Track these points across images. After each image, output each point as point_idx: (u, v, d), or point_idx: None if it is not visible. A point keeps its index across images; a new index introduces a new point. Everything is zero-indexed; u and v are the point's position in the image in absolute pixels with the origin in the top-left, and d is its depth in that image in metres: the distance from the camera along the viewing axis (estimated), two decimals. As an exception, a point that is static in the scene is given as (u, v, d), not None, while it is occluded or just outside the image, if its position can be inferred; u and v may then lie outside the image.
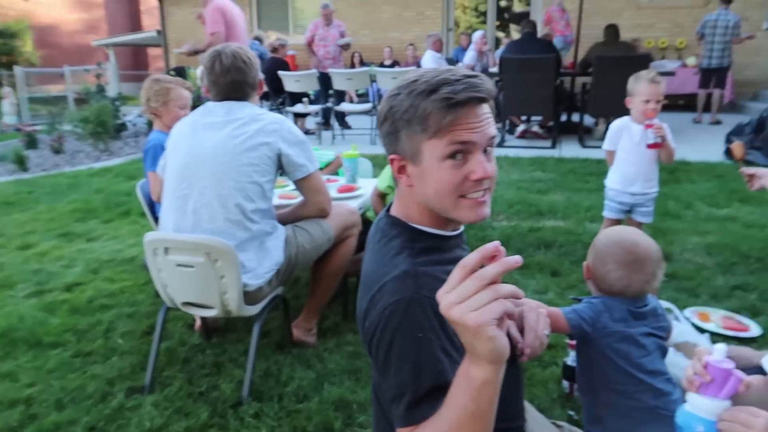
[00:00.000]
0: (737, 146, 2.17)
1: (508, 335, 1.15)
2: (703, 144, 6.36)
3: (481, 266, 0.73)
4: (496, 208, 4.18)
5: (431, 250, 1.02)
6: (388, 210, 1.12)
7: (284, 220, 2.24)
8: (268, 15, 12.29)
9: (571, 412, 1.92)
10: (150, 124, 3.06)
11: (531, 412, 1.28)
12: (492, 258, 0.74)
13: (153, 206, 2.87)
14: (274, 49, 7.96)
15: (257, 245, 2.06)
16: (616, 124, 2.85)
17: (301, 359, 2.30)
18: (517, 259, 0.72)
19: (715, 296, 2.72)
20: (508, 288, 0.73)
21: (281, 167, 2.12)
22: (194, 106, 2.45)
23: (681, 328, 2.10)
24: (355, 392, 2.06)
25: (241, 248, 2.00)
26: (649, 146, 2.64)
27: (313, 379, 2.16)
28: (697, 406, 0.91)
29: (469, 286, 0.72)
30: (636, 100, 2.67)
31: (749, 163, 2.28)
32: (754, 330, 2.37)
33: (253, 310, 2.10)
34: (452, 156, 0.96)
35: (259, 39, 8.65)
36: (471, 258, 0.73)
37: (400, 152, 1.02)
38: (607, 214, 2.96)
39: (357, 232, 2.43)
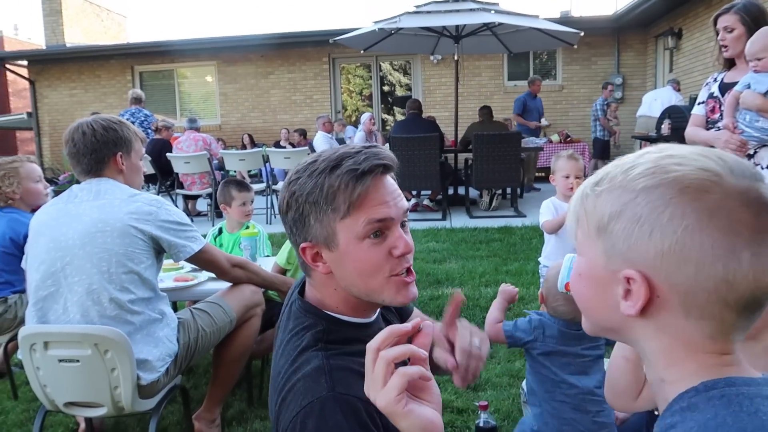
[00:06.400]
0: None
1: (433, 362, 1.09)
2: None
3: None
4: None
5: (348, 341, 0.96)
6: (301, 292, 1.04)
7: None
8: (153, 98, 12.11)
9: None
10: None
11: None
12: (418, 333, 0.75)
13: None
14: (157, 130, 7.72)
15: (144, 336, 1.89)
16: (547, 204, 2.91)
17: (204, 454, 2.12)
18: (418, 350, 0.72)
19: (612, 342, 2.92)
20: (402, 351, 0.71)
21: (163, 250, 1.98)
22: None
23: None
24: (267, 483, 1.93)
25: (128, 342, 1.84)
26: None
27: (219, 475, 1.99)
28: None
29: (374, 369, 0.71)
30: (557, 176, 2.85)
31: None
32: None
33: (149, 404, 1.92)
34: (371, 235, 0.92)
35: (139, 99, 7.86)
36: (376, 339, 0.72)
37: (311, 239, 0.95)
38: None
39: (261, 311, 2.35)
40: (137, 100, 7.86)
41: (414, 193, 7.60)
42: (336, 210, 0.91)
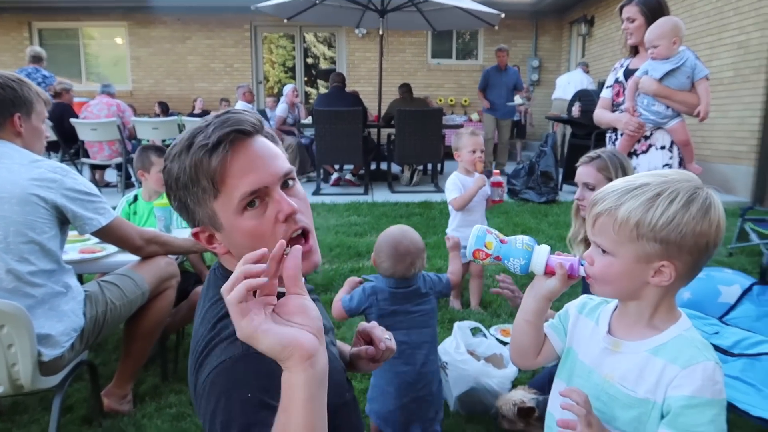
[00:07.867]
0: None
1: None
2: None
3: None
4: (317, 252, 4.26)
5: None
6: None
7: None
8: (55, 59, 11.17)
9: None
10: None
11: None
12: (285, 258, 0.75)
13: None
14: (57, 94, 7.10)
15: (46, 310, 1.79)
16: (453, 180, 3.01)
17: (115, 431, 2.05)
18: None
19: (512, 314, 3.10)
20: (239, 290, 0.70)
21: (68, 220, 1.86)
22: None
23: (488, 343, 2.36)
24: (181, 456, 1.90)
25: (28, 316, 1.72)
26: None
27: (130, 450, 1.94)
28: None
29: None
30: (463, 152, 2.98)
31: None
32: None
33: (52, 381, 1.83)
34: (247, 206, 0.88)
35: (38, 58, 7.11)
36: (226, 285, 0.71)
37: (199, 223, 0.93)
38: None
39: (176, 283, 2.28)
40: (36, 59, 7.16)
41: (337, 167, 7.58)
42: (205, 190, 0.88)
